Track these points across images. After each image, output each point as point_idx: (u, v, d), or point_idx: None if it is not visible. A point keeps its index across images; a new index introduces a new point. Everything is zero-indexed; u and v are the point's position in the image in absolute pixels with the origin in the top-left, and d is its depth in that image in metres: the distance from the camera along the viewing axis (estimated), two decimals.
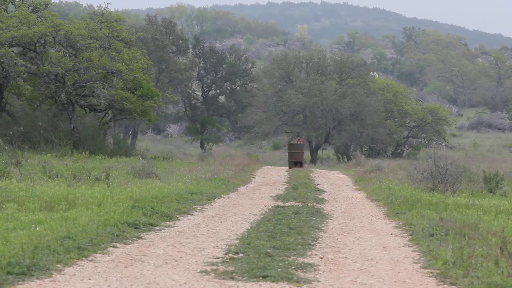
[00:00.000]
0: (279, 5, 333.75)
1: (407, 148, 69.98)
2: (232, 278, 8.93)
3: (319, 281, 8.95)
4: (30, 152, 29.71)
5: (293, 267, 9.62)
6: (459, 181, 22.55)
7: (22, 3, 37.61)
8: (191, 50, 74.86)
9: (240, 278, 8.94)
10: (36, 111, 37.03)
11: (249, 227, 13.53)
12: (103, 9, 39.70)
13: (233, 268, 9.43)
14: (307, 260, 10.30)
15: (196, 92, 74.07)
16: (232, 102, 72.37)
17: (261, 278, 8.93)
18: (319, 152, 61.26)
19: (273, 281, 8.80)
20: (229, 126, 75.17)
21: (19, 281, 8.34)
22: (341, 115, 58.87)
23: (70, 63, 34.67)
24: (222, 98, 75.04)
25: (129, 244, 11.19)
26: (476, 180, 24.21)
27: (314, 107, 58.53)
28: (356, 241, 12.39)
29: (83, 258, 9.81)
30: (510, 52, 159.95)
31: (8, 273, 8.51)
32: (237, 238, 12.10)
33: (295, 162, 37.17)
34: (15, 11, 36.88)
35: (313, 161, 57.12)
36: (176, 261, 10.00)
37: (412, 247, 11.84)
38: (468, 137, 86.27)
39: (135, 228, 12.58)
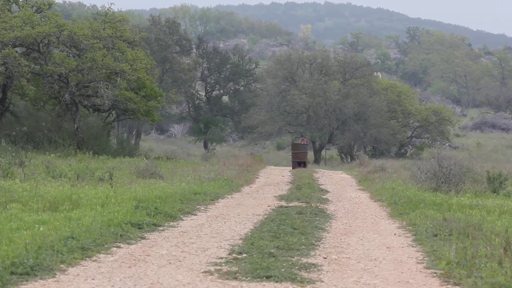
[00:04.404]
0: (282, 5, 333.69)
1: (411, 148, 69.95)
2: (235, 278, 8.94)
3: (322, 281, 8.95)
4: (34, 152, 29.74)
5: (296, 267, 9.62)
6: (462, 181, 22.55)
7: (26, 4, 37.65)
8: (194, 50, 74.93)
9: (244, 278, 8.94)
10: (40, 111, 37.08)
11: (252, 227, 13.53)
12: (106, 9, 39.76)
13: (237, 268, 9.43)
14: (311, 260, 10.30)
15: (199, 92, 74.12)
16: (235, 102, 72.40)
17: (264, 278, 8.93)
18: (323, 152, 61.25)
19: (276, 281, 8.80)
20: (233, 126, 75.20)
21: (22, 281, 8.34)
22: (344, 115, 58.87)
23: (74, 63, 34.70)
24: (225, 98, 75.09)
25: (133, 244, 11.20)
26: (480, 180, 24.20)
27: (318, 107, 58.53)
28: (360, 241, 12.39)
29: (87, 258, 9.81)
30: None
31: (12, 273, 8.51)
32: (240, 238, 12.10)
33: (298, 162, 37.13)
34: (18, 11, 36.90)
35: (317, 161, 57.12)
36: (179, 261, 10.01)
37: (415, 247, 11.83)
38: (471, 137, 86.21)
39: (139, 228, 12.59)
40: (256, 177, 29.10)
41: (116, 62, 35.62)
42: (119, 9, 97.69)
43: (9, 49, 33.47)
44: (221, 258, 10.27)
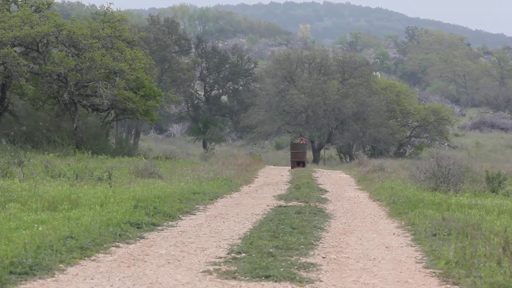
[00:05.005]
0: (281, 5, 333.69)
1: (410, 148, 69.91)
2: (234, 278, 8.94)
3: (321, 281, 8.95)
4: (33, 152, 29.73)
5: (295, 267, 9.62)
6: (461, 181, 22.54)
7: (25, 3, 37.62)
8: (193, 50, 74.90)
9: (243, 278, 8.94)
10: (39, 111, 37.06)
11: (251, 227, 13.53)
12: (105, 8, 39.74)
13: (236, 268, 9.43)
14: (310, 260, 10.30)
15: (198, 92, 74.10)
16: (234, 102, 72.39)
17: (263, 278, 8.93)
18: (322, 152, 61.23)
19: (275, 281, 8.80)
20: (232, 126, 75.17)
21: (21, 280, 8.34)
22: (343, 115, 58.84)
23: (73, 63, 34.68)
24: (224, 98, 75.07)
25: (132, 244, 11.20)
26: (479, 180, 24.19)
27: (317, 107, 58.51)
28: (359, 241, 12.39)
29: (86, 258, 9.81)
30: None
31: (11, 272, 8.51)
32: (239, 238, 12.10)
33: (297, 162, 37.13)
34: (17, 11, 36.88)
35: (316, 161, 57.11)
36: (178, 261, 10.00)
37: (414, 246, 11.84)
38: (470, 137, 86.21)
39: (138, 228, 12.59)
40: (255, 177, 29.10)
41: (115, 61, 35.60)
42: (118, 9, 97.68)
43: (8, 48, 33.45)
44: (220, 257, 10.27)
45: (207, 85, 73.14)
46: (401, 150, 68.30)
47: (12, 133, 33.09)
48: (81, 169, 22.46)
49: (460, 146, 74.30)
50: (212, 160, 39.47)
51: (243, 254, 10.47)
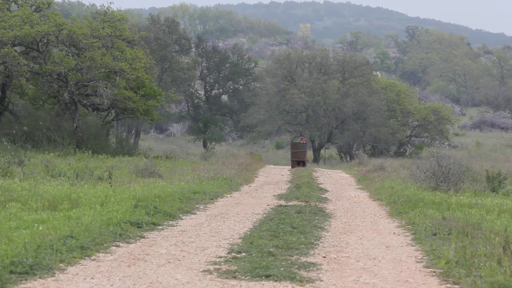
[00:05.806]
0: (282, 4, 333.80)
1: (410, 147, 69.92)
2: (235, 277, 8.94)
3: (322, 281, 8.95)
4: (33, 151, 29.70)
5: (296, 266, 9.62)
6: (462, 180, 22.53)
7: (25, 3, 37.60)
8: (194, 49, 74.90)
9: (243, 277, 8.94)
10: (39, 110, 37.05)
11: (252, 227, 13.52)
12: (105, 8, 39.67)
13: (236, 268, 9.43)
14: (310, 259, 10.30)
15: (199, 91, 74.09)
16: (235, 101, 72.39)
17: (263, 277, 8.93)
18: (322, 151, 61.24)
19: (276, 281, 8.80)
20: (232, 125, 75.18)
21: (21, 280, 8.34)
22: (344, 115, 58.85)
23: (73, 63, 34.67)
24: (225, 97, 75.08)
25: (132, 244, 11.19)
26: (479, 179, 24.18)
27: (317, 106, 58.52)
28: (359, 240, 12.39)
29: (86, 258, 9.81)
30: None
31: (11, 272, 8.51)
32: (240, 238, 12.09)
33: (298, 162, 37.14)
34: (18, 10, 36.87)
35: (316, 160, 57.12)
36: (178, 260, 10.00)
37: (414, 246, 11.83)
38: (471, 136, 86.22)
39: (138, 228, 12.58)
40: (256, 176, 29.09)
41: (115, 61, 35.59)
42: (118, 8, 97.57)
43: (8, 48, 33.45)
44: (220, 257, 10.27)
45: (208, 85, 73.14)
46: (401, 149, 68.32)
47: (13, 132, 33.09)
48: (81, 169, 22.46)
49: (460, 146, 74.32)
50: (212, 159, 39.46)
51: (244, 254, 10.47)
